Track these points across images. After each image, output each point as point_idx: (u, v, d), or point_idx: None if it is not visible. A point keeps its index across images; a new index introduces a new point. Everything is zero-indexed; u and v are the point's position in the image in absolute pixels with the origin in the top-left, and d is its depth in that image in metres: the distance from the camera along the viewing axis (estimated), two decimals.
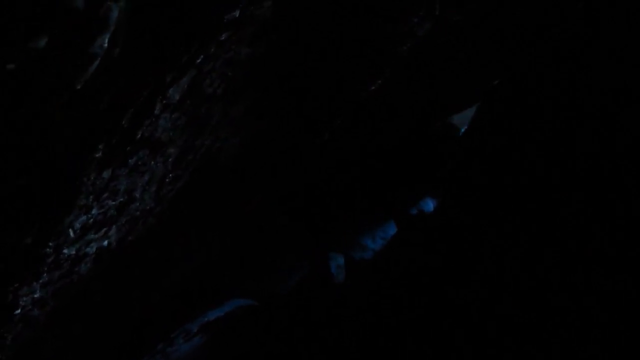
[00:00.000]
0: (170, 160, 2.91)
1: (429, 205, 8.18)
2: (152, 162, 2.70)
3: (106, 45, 1.59)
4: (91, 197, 2.36)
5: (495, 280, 4.34)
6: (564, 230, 3.99)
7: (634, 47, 3.91)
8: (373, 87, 4.20)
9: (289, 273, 7.88)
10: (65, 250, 2.60)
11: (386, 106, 5.51)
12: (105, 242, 2.98)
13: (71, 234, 2.49)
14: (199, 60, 2.22)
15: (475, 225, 4.72)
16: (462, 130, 8.00)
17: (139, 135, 2.30)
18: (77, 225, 2.48)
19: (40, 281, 2.63)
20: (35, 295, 2.70)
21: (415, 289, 5.02)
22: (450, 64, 5.22)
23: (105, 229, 2.85)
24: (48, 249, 2.43)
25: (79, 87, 1.66)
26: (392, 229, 8.03)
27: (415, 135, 7.28)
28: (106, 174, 2.34)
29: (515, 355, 4.04)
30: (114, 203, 2.66)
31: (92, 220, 2.59)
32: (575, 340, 3.72)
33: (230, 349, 6.41)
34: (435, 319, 4.66)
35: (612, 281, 3.62)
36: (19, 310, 2.70)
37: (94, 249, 2.93)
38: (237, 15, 2.27)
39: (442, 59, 5.10)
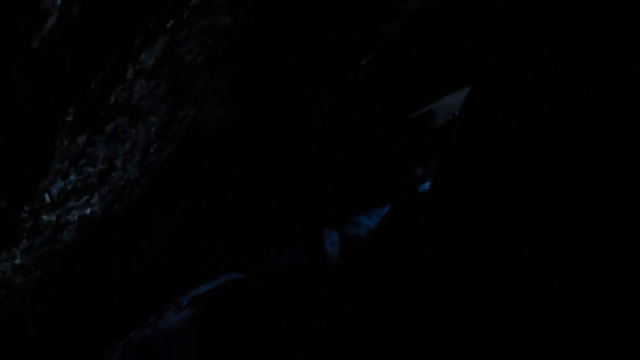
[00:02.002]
0: (152, 129, 2.84)
1: (425, 185, 8.10)
2: (133, 131, 2.63)
3: (59, 2, 1.54)
4: (66, 162, 2.30)
5: (495, 280, 4.35)
6: (564, 230, 3.99)
7: (634, 47, 3.90)
8: (364, 62, 4.11)
9: (282, 248, 7.85)
10: (45, 217, 2.54)
11: (382, 104, 5.47)
12: (88, 210, 2.91)
13: (47, 198, 2.42)
14: (169, 25, 2.15)
15: (475, 225, 4.72)
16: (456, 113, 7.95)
17: (112, 100, 2.24)
18: (54, 190, 2.42)
19: (20, 247, 2.58)
20: (16, 261, 2.64)
21: (415, 289, 5.01)
22: (448, 63, 5.17)
23: (86, 197, 2.78)
24: (24, 213, 2.37)
25: (35, 44, 1.60)
26: (387, 207, 7.94)
27: (416, 138, 7.27)
28: (81, 139, 2.27)
29: (515, 355, 4.06)
30: (93, 170, 2.60)
31: (70, 186, 2.52)
32: (575, 340, 3.73)
33: (218, 320, 6.43)
34: (435, 319, 4.66)
35: (612, 281, 3.63)
36: None
37: (76, 217, 2.86)
38: None
39: (439, 57, 5.06)
